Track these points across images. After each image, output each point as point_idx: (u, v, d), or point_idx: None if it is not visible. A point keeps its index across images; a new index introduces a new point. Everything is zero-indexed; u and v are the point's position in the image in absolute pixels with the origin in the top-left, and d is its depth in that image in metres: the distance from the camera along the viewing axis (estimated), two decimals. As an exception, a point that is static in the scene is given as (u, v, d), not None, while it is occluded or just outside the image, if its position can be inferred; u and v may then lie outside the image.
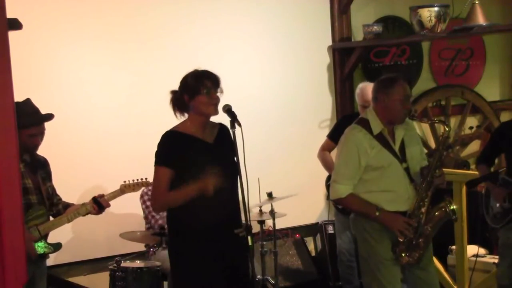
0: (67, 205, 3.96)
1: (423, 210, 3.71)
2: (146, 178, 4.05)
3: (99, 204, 3.86)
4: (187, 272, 3.51)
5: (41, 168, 3.84)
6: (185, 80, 3.53)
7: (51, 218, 3.87)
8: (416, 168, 3.76)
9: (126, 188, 4.02)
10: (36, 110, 3.71)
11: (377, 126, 3.73)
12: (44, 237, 3.77)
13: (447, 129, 3.75)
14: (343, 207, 5.10)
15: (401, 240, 3.68)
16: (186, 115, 3.58)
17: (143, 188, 4.19)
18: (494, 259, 4.95)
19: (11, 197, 2.07)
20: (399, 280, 3.80)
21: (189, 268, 3.51)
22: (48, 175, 3.89)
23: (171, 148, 3.49)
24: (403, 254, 3.71)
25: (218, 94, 3.51)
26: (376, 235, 3.75)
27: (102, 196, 3.91)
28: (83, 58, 5.03)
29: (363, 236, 3.82)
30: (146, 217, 4.86)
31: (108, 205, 3.92)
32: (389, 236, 3.73)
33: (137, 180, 4.07)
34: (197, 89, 3.46)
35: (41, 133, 3.72)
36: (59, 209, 3.92)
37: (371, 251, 3.77)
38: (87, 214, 3.90)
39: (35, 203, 3.72)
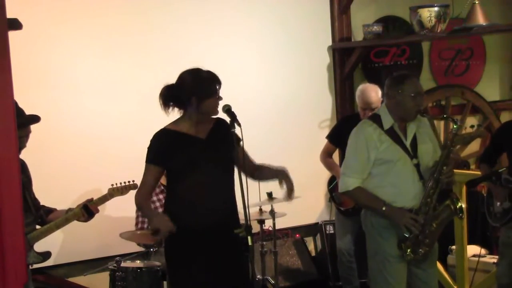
0: (49, 210, 3.85)
1: (429, 207, 3.71)
2: (133, 181, 3.97)
3: (88, 211, 3.76)
4: (186, 272, 3.51)
5: (22, 172, 3.66)
6: (198, 80, 3.48)
7: (37, 227, 3.75)
8: (428, 165, 3.77)
9: (114, 192, 3.94)
10: (20, 112, 3.60)
11: (388, 121, 3.76)
12: (31, 246, 3.66)
13: (455, 126, 3.75)
14: (346, 209, 5.11)
15: (407, 236, 3.69)
16: (175, 110, 3.56)
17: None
18: (494, 259, 4.95)
19: (11, 197, 2.07)
20: (405, 278, 3.81)
21: (187, 268, 3.50)
22: (29, 180, 3.77)
23: (161, 146, 3.50)
24: (408, 250, 3.72)
25: None
26: (383, 232, 3.77)
27: (91, 200, 3.82)
28: (78, 56, 5.02)
29: (370, 233, 3.84)
30: (141, 215, 4.86)
31: (97, 211, 3.82)
32: (395, 233, 3.74)
33: (125, 183, 3.98)
34: (212, 93, 3.48)
35: (26, 135, 3.63)
36: (41, 215, 3.81)
37: (378, 248, 3.79)
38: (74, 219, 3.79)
39: None
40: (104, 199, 3.90)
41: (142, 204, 3.59)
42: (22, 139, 3.59)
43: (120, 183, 3.97)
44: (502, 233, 4.31)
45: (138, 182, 4.01)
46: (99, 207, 3.86)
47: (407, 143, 3.77)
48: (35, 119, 3.67)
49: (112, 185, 3.96)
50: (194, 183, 3.47)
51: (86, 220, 3.81)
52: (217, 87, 3.50)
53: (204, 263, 3.49)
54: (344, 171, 3.82)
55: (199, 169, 3.47)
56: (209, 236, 3.47)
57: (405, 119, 3.77)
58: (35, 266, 3.82)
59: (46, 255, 3.73)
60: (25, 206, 3.60)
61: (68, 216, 3.76)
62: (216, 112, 3.53)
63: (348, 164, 3.81)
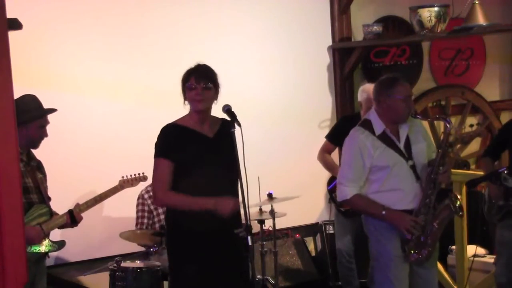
0: None
1: (429, 207, 3.71)
2: (143, 173, 4.15)
3: (72, 217, 3.80)
4: (186, 272, 3.52)
5: (38, 168, 3.83)
6: (183, 76, 3.57)
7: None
8: (424, 163, 3.78)
9: (125, 183, 4.12)
10: (39, 105, 3.76)
11: (379, 126, 3.75)
12: (47, 235, 3.74)
13: (448, 126, 3.76)
14: (346, 209, 5.11)
15: (409, 238, 3.70)
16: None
17: (141, 189, 4.21)
18: (494, 259, 4.95)
19: (11, 197, 2.07)
20: (407, 278, 3.82)
21: (188, 268, 3.51)
22: (44, 176, 3.87)
23: (167, 139, 3.51)
24: (412, 252, 3.72)
25: (204, 89, 3.48)
26: (386, 233, 3.77)
27: (77, 205, 3.86)
28: (78, 56, 5.02)
29: (373, 235, 3.85)
30: (140, 217, 4.86)
31: (81, 218, 3.84)
32: (398, 233, 3.75)
33: (135, 175, 4.18)
34: (184, 85, 3.52)
35: (47, 124, 3.77)
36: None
37: (381, 249, 3.80)
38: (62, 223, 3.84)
39: (36, 202, 3.70)
40: (114, 190, 4.05)
41: (171, 199, 3.47)
42: (45, 128, 3.74)
43: (130, 175, 4.17)
44: (497, 233, 4.33)
45: (147, 173, 4.07)
46: (110, 200, 3.99)
47: (401, 146, 3.77)
48: (52, 110, 3.80)
49: (123, 177, 4.13)
50: (197, 182, 3.47)
51: (70, 226, 3.85)
52: (191, 79, 3.47)
53: (205, 263, 3.49)
54: (340, 181, 3.82)
55: (203, 167, 3.47)
56: (210, 236, 3.47)
57: (397, 121, 3.77)
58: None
59: (61, 243, 3.82)
60: (40, 198, 3.74)
61: (61, 218, 3.82)
62: (196, 106, 3.50)
63: (343, 173, 3.82)
